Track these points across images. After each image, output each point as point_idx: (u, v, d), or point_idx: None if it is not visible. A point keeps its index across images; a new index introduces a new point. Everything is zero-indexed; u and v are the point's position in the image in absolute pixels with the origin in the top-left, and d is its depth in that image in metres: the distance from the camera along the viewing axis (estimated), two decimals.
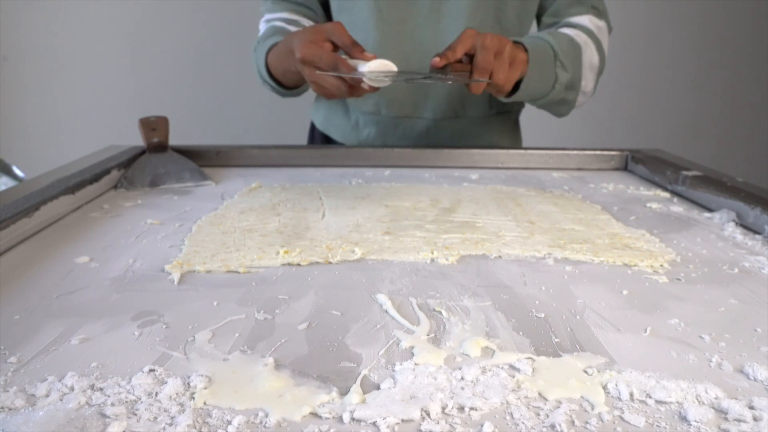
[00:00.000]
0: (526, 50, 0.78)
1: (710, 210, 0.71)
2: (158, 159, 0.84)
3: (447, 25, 0.92)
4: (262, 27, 0.97)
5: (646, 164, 0.90)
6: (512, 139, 1.06)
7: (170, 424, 0.29)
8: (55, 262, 0.52)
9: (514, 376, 0.34)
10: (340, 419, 0.30)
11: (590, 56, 0.88)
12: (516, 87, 0.80)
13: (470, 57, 0.72)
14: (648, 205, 0.74)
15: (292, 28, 0.92)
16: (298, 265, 0.52)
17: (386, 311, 0.43)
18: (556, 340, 0.39)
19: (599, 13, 0.93)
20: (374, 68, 0.65)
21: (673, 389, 0.32)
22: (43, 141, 1.90)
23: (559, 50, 0.82)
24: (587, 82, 0.90)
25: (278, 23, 0.94)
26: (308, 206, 0.69)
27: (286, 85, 0.89)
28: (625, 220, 0.67)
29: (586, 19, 0.91)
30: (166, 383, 0.32)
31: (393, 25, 0.93)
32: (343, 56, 0.69)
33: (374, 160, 0.94)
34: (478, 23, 0.91)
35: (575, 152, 0.95)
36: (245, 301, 0.44)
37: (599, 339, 0.39)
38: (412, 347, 0.37)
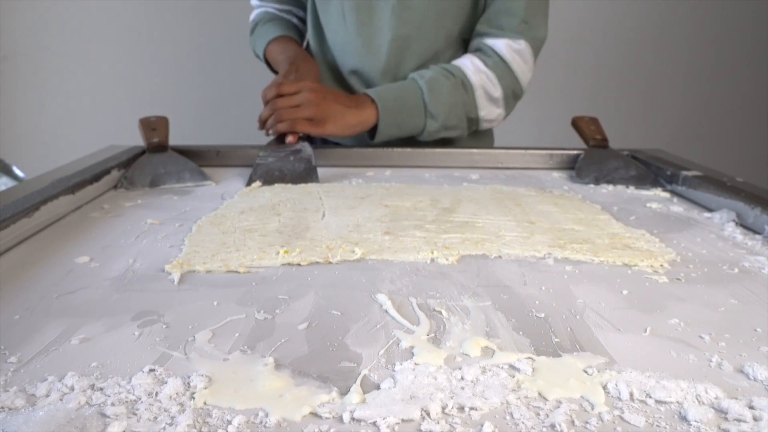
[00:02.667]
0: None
1: (710, 210, 0.71)
2: (158, 159, 0.84)
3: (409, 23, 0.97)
4: (256, 9, 1.12)
5: (646, 164, 0.90)
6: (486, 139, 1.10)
7: (170, 424, 0.29)
8: (55, 262, 0.52)
9: (514, 376, 0.34)
10: (340, 419, 0.30)
11: (488, 91, 0.96)
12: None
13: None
14: (648, 205, 0.74)
15: (286, 16, 1.10)
16: (298, 265, 0.52)
17: (386, 311, 0.43)
18: (556, 340, 0.39)
19: (527, 27, 0.95)
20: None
21: (673, 389, 0.32)
22: (43, 141, 1.90)
23: (429, 101, 0.92)
24: (488, 111, 0.98)
25: (271, 9, 1.10)
26: (308, 206, 0.69)
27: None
28: (625, 220, 0.67)
29: (502, 45, 0.96)
30: (166, 383, 0.32)
31: (354, 26, 0.98)
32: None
33: (374, 160, 0.94)
34: (438, 24, 0.97)
35: (575, 152, 0.95)
36: (245, 301, 0.44)
37: (599, 339, 0.39)
38: (412, 347, 0.37)
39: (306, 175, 0.82)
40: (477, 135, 1.05)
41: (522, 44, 0.96)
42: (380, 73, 0.99)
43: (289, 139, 0.87)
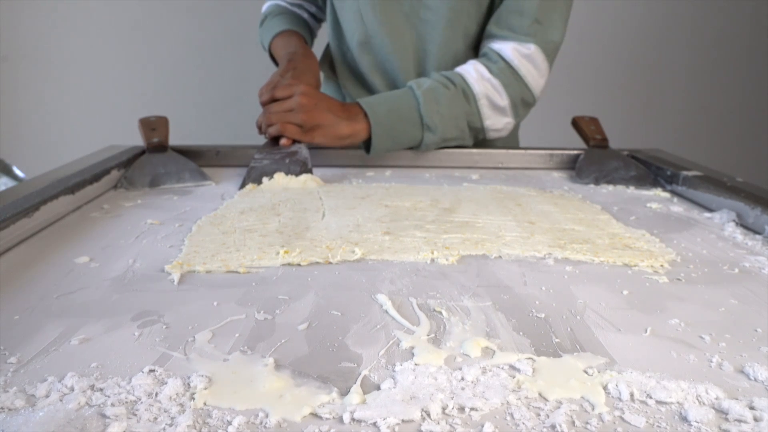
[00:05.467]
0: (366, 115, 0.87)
1: (710, 210, 0.71)
2: (158, 159, 0.84)
3: (427, 25, 0.95)
4: (268, 1, 1.11)
5: (646, 164, 0.90)
6: (508, 144, 1.07)
7: (170, 425, 0.29)
8: (55, 262, 0.52)
9: (514, 377, 0.34)
10: (341, 420, 0.30)
11: (493, 100, 0.91)
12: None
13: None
14: (648, 205, 0.74)
15: (296, 10, 1.08)
16: (298, 265, 0.52)
17: (386, 311, 0.43)
18: (557, 340, 0.39)
19: (540, 29, 0.91)
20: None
21: (673, 389, 0.32)
22: (43, 141, 1.90)
23: (426, 113, 0.88)
24: (494, 121, 0.93)
25: (282, 3, 1.09)
26: (308, 206, 0.69)
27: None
28: (625, 220, 0.67)
29: (509, 49, 0.91)
30: (166, 383, 0.32)
31: (373, 26, 0.96)
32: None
33: (374, 161, 0.94)
34: (455, 23, 0.94)
35: (575, 152, 0.95)
36: (245, 301, 0.44)
37: (599, 339, 0.39)
38: (413, 347, 0.37)
39: None
40: (500, 139, 1.01)
41: (532, 48, 0.90)
42: (401, 72, 0.98)
43: (283, 141, 0.85)
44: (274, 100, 0.86)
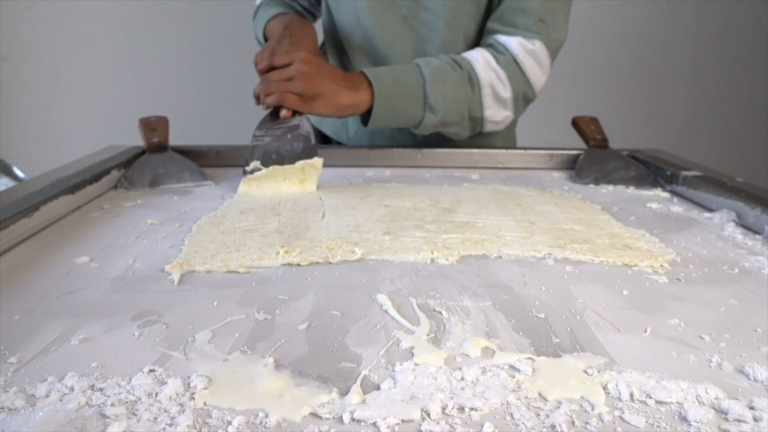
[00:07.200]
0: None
1: (710, 210, 0.71)
2: (158, 159, 0.84)
3: (425, 25, 0.94)
4: None
5: (646, 164, 0.90)
6: (506, 140, 1.06)
7: (170, 425, 0.29)
8: (55, 262, 0.52)
9: (514, 377, 0.34)
10: (340, 419, 0.30)
11: (497, 90, 0.89)
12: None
13: None
14: (648, 205, 0.74)
15: (289, 1, 1.06)
16: (298, 265, 0.52)
17: (386, 311, 0.43)
18: (556, 340, 0.39)
19: (544, 27, 0.90)
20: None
21: (673, 389, 0.32)
22: (43, 141, 1.90)
23: (430, 92, 0.84)
24: (494, 112, 0.91)
25: None
26: (308, 206, 0.69)
27: None
28: (625, 220, 0.67)
29: (514, 43, 0.89)
30: (166, 383, 0.32)
31: (370, 28, 0.95)
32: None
33: (374, 160, 0.94)
34: (455, 24, 0.93)
35: (575, 152, 0.95)
36: (245, 301, 0.44)
37: (599, 339, 0.39)
38: (413, 347, 0.37)
39: (305, 155, 0.79)
40: (498, 135, 1.01)
41: (537, 44, 0.89)
42: None
43: (283, 113, 0.81)
44: (272, 68, 0.81)
